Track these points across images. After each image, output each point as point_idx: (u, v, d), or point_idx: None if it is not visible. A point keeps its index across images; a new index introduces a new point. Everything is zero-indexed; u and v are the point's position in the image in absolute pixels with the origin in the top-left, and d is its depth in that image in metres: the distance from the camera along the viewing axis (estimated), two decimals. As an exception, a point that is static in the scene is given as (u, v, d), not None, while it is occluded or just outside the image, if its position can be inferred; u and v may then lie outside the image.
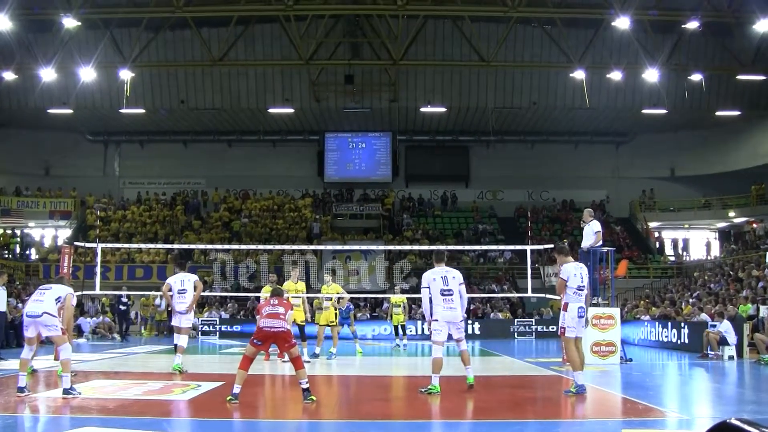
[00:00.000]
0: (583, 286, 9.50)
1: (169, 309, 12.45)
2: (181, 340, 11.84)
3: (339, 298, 15.92)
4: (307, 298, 15.33)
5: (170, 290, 12.02)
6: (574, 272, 9.51)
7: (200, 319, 25.39)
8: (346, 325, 18.26)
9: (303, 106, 31.73)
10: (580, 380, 9.16)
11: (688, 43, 26.78)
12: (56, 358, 10.30)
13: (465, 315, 9.96)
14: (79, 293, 13.19)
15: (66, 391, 8.52)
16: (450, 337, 9.56)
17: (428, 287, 9.46)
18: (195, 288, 12.00)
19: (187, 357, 12.19)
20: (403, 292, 21.03)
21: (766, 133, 31.27)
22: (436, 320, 9.32)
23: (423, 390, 9.17)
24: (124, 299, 23.55)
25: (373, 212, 35.05)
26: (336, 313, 15.83)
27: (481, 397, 9.23)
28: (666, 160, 35.47)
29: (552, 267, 25.93)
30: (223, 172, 36.17)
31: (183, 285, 11.95)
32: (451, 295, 9.42)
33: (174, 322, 12.06)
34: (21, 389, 8.63)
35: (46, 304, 8.87)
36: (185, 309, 11.81)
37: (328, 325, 15.62)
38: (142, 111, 31.11)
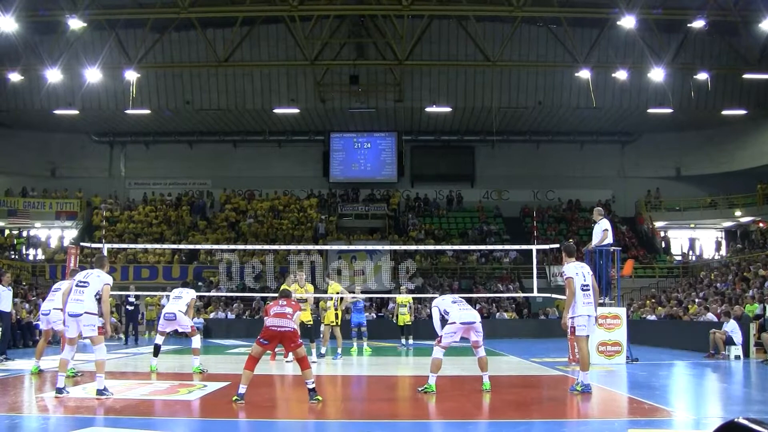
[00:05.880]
0: (587, 285, 9.52)
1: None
2: (194, 341, 12.14)
3: (340, 298, 15.82)
4: (313, 299, 15.35)
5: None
6: (575, 271, 9.53)
7: (204, 320, 25.41)
8: (363, 323, 17.89)
9: (308, 107, 31.74)
10: (587, 380, 9.17)
11: (694, 42, 26.70)
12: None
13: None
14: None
15: (100, 392, 8.47)
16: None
17: (437, 306, 9.63)
18: (188, 306, 12.25)
19: (192, 357, 12.21)
20: (408, 292, 20.99)
21: (772, 133, 31.17)
22: (453, 323, 9.28)
23: (420, 389, 9.23)
24: (132, 299, 23.43)
25: (379, 212, 35.08)
26: (338, 313, 15.68)
27: (488, 397, 9.21)
28: (672, 159, 35.38)
29: (557, 267, 25.88)
30: (229, 173, 36.25)
31: (180, 294, 12.36)
32: (464, 303, 9.61)
33: (166, 328, 12.17)
34: (60, 390, 8.56)
35: (87, 304, 8.81)
36: (173, 312, 11.98)
37: (330, 325, 15.56)
38: (147, 112, 31.18)
